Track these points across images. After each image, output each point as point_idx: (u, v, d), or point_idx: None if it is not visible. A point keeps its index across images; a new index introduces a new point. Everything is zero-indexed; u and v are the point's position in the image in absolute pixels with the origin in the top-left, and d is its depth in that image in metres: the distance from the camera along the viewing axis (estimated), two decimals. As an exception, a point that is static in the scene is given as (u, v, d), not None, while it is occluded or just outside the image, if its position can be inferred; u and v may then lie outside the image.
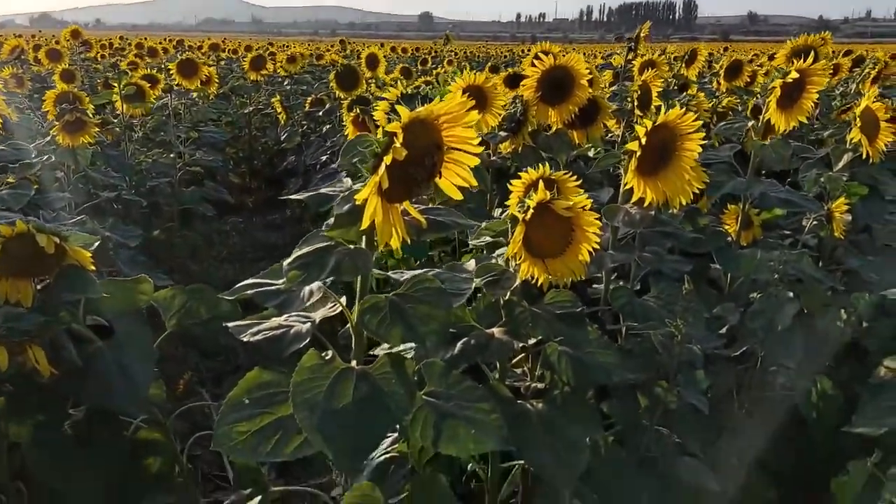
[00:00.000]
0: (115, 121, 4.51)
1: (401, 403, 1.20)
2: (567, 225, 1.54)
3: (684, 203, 1.90)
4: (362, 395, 1.20)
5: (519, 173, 1.81)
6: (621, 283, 2.11)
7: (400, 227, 1.23)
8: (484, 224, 1.72)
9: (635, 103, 3.05)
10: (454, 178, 1.30)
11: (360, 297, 1.32)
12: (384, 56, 6.72)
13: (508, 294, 1.57)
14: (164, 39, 14.41)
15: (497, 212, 2.97)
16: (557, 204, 1.49)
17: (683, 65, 4.68)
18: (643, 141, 1.74)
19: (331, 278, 1.22)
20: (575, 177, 1.83)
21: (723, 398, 2.24)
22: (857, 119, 2.44)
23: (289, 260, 1.26)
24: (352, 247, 1.29)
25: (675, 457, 1.78)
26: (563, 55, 2.81)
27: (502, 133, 2.77)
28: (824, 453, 2.22)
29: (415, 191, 1.24)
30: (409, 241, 1.26)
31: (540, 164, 1.79)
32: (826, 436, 2.24)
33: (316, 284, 1.29)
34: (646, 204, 1.84)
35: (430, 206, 1.37)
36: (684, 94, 4.77)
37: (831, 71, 4.90)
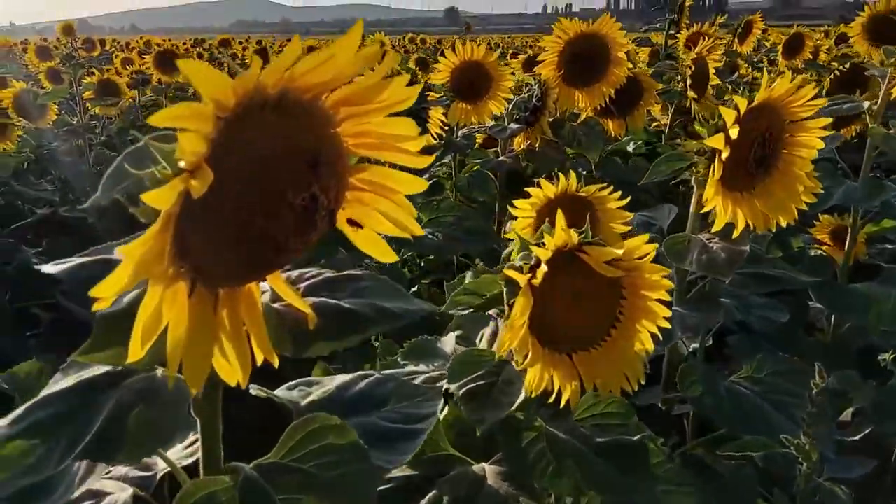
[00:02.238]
0: (74, 122, 3.87)
1: None
2: (611, 289, 0.85)
3: (783, 224, 1.19)
4: None
5: (536, 180, 1.14)
6: (688, 344, 1.40)
7: (241, 343, 0.55)
8: (466, 282, 1.03)
9: (688, 83, 2.33)
10: (376, 222, 0.62)
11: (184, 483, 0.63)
12: (404, 49, 6.10)
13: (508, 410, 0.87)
14: (189, 41, 13.79)
15: (508, 225, 2.27)
16: (595, 253, 0.80)
17: (736, 39, 3.93)
18: (733, 133, 1.03)
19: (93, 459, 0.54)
20: (610, 189, 1.14)
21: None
22: None
23: (17, 412, 0.58)
24: (153, 373, 0.61)
25: None
26: (592, 23, 2.09)
27: (513, 125, 2.07)
28: None
29: (273, 257, 0.56)
30: (273, 358, 0.58)
31: (563, 173, 1.10)
32: None
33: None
34: (736, 232, 1.14)
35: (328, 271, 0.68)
36: (735, 74, 4.03)
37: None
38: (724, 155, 1.04)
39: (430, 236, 1.82)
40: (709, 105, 2.40)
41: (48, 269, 0.61)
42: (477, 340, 1.14)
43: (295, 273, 0.67)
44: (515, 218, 2.21)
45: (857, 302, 1.55)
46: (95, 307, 0.46)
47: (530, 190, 1.11)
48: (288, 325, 0.61)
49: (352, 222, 0.60)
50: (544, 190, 1.10)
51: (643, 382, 0.86)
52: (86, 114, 3.96)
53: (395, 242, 0.64)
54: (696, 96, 2.30)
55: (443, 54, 2.09)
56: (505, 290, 0.83)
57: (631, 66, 2.14)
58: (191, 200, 0.47)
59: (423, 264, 2.17)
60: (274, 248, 0.53)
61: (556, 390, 0.82)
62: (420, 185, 0.63)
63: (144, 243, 0.45)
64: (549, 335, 0.83)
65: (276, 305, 0.63)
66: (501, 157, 2.13)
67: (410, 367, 1.02)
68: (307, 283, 0.66)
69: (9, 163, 2.75)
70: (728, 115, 1.04)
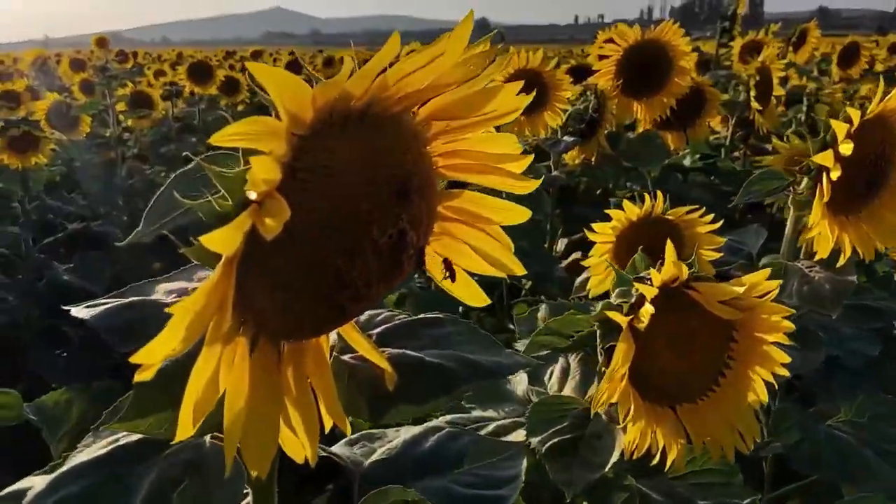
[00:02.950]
0: (107, 135, 3.83)
1: None
2: (721, 330, 0.73)
3: (881, 249, 1.06)
4: None
5: (606, 208, 1.03)
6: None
7: (308, 410, 0.45)
8: (540, 315, 0.92)
9: (752, 92, 2.20)
10: (467, 260, 0.52)
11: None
12: None
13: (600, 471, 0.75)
14: (220, 52, 13.83)
15: (560, 244, 2.15)
16: (708, 291, 0.68)
17: (791, 48, 3.77)
18: (846, 149, 0.91)
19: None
20: (701, 211, 1.03)
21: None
22: None
23: (42, 486, 0.48)
24: (201, 440, 0.50)
25: None
26: (653, 29, 1.97)
27: (568, 138, 1.96)
28: None
29: (351, 306, 0.45)
30: (345, 425, 0.48)
31: (617, 190, 0.99)
32: None
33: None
34: (843, 260, 1.01)
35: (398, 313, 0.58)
36: (787, 85, 3.88)
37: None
38: (835, 175, 0.92)
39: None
40: (773, 117, 2.27)
41: (79, 312, 0.51)
42: (545, 378, 1.03)
43: (364, 315, 0.57)
44: (566, 236, 2.08)
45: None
46: (138, 377, 0.36)
47: (611, 212, 0.99)
48: (362, 384, 0.50)
49: (446, 265, 0.50)
50: (627, 212, 0.98)
51: (759, 440, 0.74)
52: (118, 126, 3.92)
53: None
54: (760, 107, 2.17)
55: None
56: (599, 332, 0.72)
57: (694, 76, 2.02)
58: (258, 240, 0.36)
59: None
60: (353, 295, 0.43)
61: (659, 449, 0.71)
62: (522, 213, 0.52)
63: (201, 297, 0.35)
64: (650, 385, 0.72)
65: (346, 358, 0.52)
66: (555, 173, 2.02)
67: (478, 412, 0.91)
68: (380, 329, 0.56)
69: (41, 176, 2.69)
70: (839, 128, 0.92)
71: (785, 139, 1.62)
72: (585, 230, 1.03)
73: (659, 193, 0.98)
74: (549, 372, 1.04)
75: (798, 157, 1.57)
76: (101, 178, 3.49)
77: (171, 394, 0.41)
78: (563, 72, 3.63)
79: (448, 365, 0.52)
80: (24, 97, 4.83)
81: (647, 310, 0.66)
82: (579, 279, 1.16)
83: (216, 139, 0.33)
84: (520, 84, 0.45)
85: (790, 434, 1.05)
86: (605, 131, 2.00)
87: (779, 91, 2.33)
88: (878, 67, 4.34)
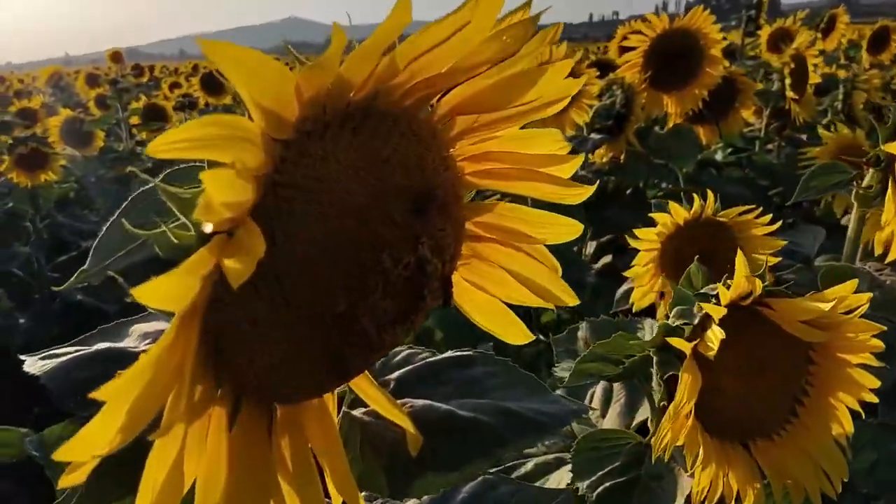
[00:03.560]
0: (120, 149, 3.77)
1: None
2: (796, 352, 0.63)
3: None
4: None
5: (645, 195, 0.93)
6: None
7: (312, 488, 0.35)
8: (581, 335, 0.81)
9: (787, 80, 2.08)
10: (504, 287, 0.42)
11: None
12: None
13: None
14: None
15: (590, 247, 2.04)
16: (786, 309, 0.58)
17: (819, 34, 3.63)
18: (923, 135, 0.80)
19: None
20: (758, 212, 0.92)
21: None
22: None
23: None
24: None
25: None
26: (683, 16, 1.86)
27: (595, 136, 1.85)
28: None
29: (361, 357, 0.35)
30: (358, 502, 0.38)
31: (695, 196, 0.88)
32: None
33: None
34: (915, 263, 0.90)
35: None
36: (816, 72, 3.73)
37: None
38: (912, 166, 0.81)
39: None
40: (810, 106, 2.15)
41: (31, 367, 0.42)
42: (586, 400, 0.93)
43: (381, 360, 0.47)
44: (595, 239, 1.97)
45: None
46: (63, 482, 0.26)
47: (655, 216, 0.89)
48: (379, 448, 0.40)
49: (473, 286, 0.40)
50: (673, 215, 0.88)
51: (846, 479, 0.63)
52: (132, 140, 3.86)
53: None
54: (796, 96, 2.05)
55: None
56: (656, 359, 0.61)
57: (726, 65, 1.90)
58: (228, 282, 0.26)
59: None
60: (363, 343, 0.33)
61: (733, 496, 0.60)
62: (571, 228, 0.42)
63: (147, 368, 0.25)
64: (718, 420, 0.61)
65: (358, 413, 0.42)
66: (582, 172, 1.90)
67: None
68: (398, 373, 0.46)
69: (52, 194, 2.62)
70: (916, 114, 0.81)
71: (832, 128, 1.51)
72: (627, 237, 0.92)
73: (709, 192, 0.88)
74: (589, 393, 0.94)
75: (848, 146, 1.45)
76: (114, 194, 3.43)
77: (128, 483, 0.31)
78: (585, 67, 3.53)
79: (485, 419, 0.42)
80: (40, 114, 4.80)
81: (716, 334, 0.56)
82: (620, 290, 1.06)
83: (152, 148, 0.23)
84: (570, 62, 0.35)
85: (862, 454, 0.94)
86: (634, 127, 1.89)
87: (815, 78, 2.20)
88: (911, 51, 4.18)
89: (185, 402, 0.28)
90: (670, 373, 0.60)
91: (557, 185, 0.40)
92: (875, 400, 0.64)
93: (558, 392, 0.96)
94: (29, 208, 2.57)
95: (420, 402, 0.43)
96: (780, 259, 0.94)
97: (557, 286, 0.42)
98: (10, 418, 1.18)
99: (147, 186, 0.36)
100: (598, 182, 1.86)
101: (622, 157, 1.90)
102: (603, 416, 0.91)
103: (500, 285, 0.42)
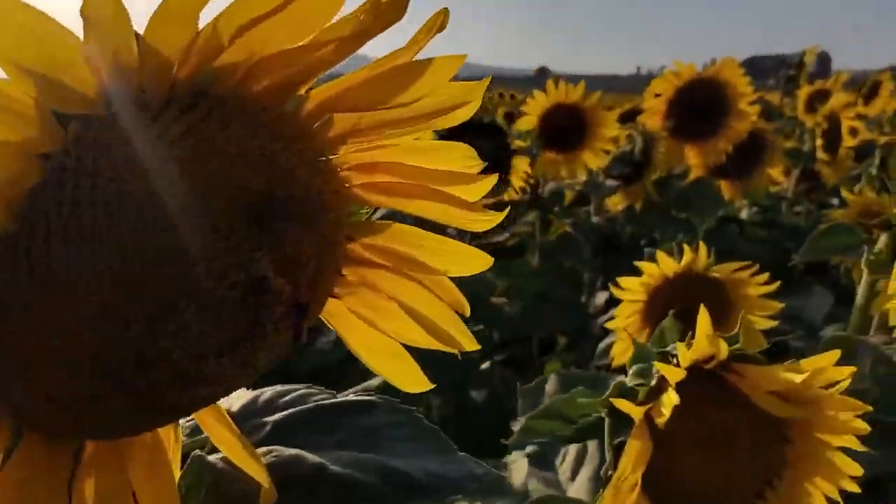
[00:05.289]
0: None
1: None
2: (770, 429, 0.55)
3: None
4: None
5: (645, 249, 0.87)
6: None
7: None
8: (548, 389, 0.75)
9: (819, 142, 2.01)
10: (396, 324, 0.35)
11: None
12: (493, 105, 6.06)
13: None
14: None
15: (600, 298, 1.96)
16: (755, 377, 0.51)
17: (861, 99, 3.54)
18: (939, 199, 0.73)
19: None
20: (754, 269, 0.85)
21: None
22: None
23: None
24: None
25: None
26: (711, 67, 1.80)
27: (611, 181, 1.79)
28: None
29: (177, 396, 0.29)
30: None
31: (686, 247, 0.82)
32: None
33: None
34: (927, 339, 0.82)
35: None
36: (857, 137, 3.64)
37: None
38: (924, 231, 0.73)
39: (508, 308, 1.54)
40: (842, 169, 2.07)
41: None
42: (557, 461, 0.86)
43: (251, 395, 0.41)
44: (607, 289, 1.90)
45: None
46: None
47: (642, 265, 0.82)
48: (224, 500, 0.34)
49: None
50: (661, 266, 0.81)
51: (820, 579, 0.55)
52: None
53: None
54: (827, 158, 1.97)
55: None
56: (608, 422, 0.55)
57: (753, 120, 1.83)
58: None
59: (495, 336, 1.88)
60: (175, 374, 0.27)
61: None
62: (479, 261, 0.36)
63: None
64: (672, 497, 0.54)
65: (214, 459, 0.36)
66: (595, 218, 1.84)
67: (462, 507, 0.74)
68: (279, 415, 0.40)
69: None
70: (932, 175, 0.74)
71: (857, 192, 1.43)
72: (611, 285, 0.85)
73: (702, 245, 0.81)
74: (562, 453, 0.87)
75: (872, 210, 1.37)
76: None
77: None
78: (617, 116, 3.49)
79: (361, 478, 0.36)
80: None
81: (670, 399, 0.49)
82: (602, 344, 0.99)
83: None
84: (461, 58, 0.29)
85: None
86: (654, 176, 1.82)
87: (849, 141, 2.13)
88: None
89: None
90: (620, 439, 0.53)
91: (462, 208, 0.34)
92: (857, 489, 0.56)
93: (524, 454, 0.89)
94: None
95: (290, 451, 0.37)
96: (778, 323, 0.87)
97: (457, 328, 0.36)
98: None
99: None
100: (609, 225, 1.80)
101: (638, 206, 1.83)
102: (573, 478, 0.84)
103: (391, 321, 0.36)
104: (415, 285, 0.35)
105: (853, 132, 3.76)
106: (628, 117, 2.56)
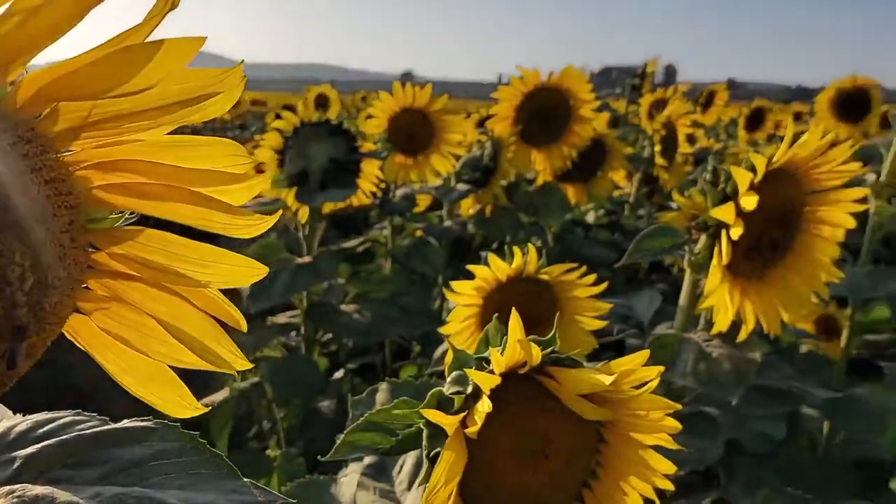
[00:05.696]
0: None
1: None
2: (585, 430, 0.55)
3: (787, 320, 0.92)
4: None
5: (484, 253, 0.86)
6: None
7: None
8: (380, 399, 0.72)
9: (656, 148, 2.10)
10: (151, 342, 0.31)
11: None
12: (357, 108, 6.09)
13: None
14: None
15: (452, 303, 1.97)
16: (567, 381, 0.50)
17: (699, 108, 3.77)
18: (749, 203, 0.76)
19: None
20: (581, 271, 0.86)
21: None
22: None
23: None
24: None
25: None
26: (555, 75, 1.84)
27: (462, 186, 1.79)
28: None
29: None
30: None
31: (517, 244, 0.82)
32: None
33: None
34: (744, 333, 0.86)
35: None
36: (695, 146, 3.87)
37: None
38: (736, 232, 0.76)
39: (357, 315, 1.50)
40: (679, 173, 2.18)
41: None
42: (394, 471, 0.83)
43: (4, 426, 0.36)
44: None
45: (877, 420, 1.26)
46: None
47: (475, 269, 0.81)
48: None
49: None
50: (494, 269, 0.80)
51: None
52: None
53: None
54: (665, 163, 2.07)
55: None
56: (425, 433, 0.53)
57: (596, 127, 1.89)
58: None
59: (350, 344, 1.85)
60: None
61: None
62: (250, 270, 0.33)
63: None
64: (490, 507, 0.53)
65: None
66: (447, 223, 1.84)
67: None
68: (34, 448, 0.35)
69: None
70: (742, 178, 0.77)
71: (688, 196, 1.50)
72: (445, 290, 0.84)
73: (531, 247, 0.81)
74: (400, 462, 0.85)
75: (701, 213, 1.44)
76: None
77: None
78: (476, 121, 3.52)
79: None
80: None
81: (482, 409, 0.48)
82: (438, 350, 0.98)
83: None
84: (200, 41, 0.26)
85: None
86: (504, 181, 1.85)
87: (685, 148, 2.24)
88: (785, 132, 4.40)
89: None
90: (437, 449, 0.51)
91: (225, 212, 0.31)
92: (671, 487, 0.57)
93: (359, 467, 0.86)
94: None
95: (38, 490, 0.32)
96: (607, 323, 0.88)
97: (225, 346, 0.33)
98: None
99: None
100: (459, 229, 1.80)
101: (488, 210, 1.85)
102: (409, 488, 0.82)
103: (150, 339, 0.32)
104: (175, 299, 0.32)
105: (690, 139, 3.99)
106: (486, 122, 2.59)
